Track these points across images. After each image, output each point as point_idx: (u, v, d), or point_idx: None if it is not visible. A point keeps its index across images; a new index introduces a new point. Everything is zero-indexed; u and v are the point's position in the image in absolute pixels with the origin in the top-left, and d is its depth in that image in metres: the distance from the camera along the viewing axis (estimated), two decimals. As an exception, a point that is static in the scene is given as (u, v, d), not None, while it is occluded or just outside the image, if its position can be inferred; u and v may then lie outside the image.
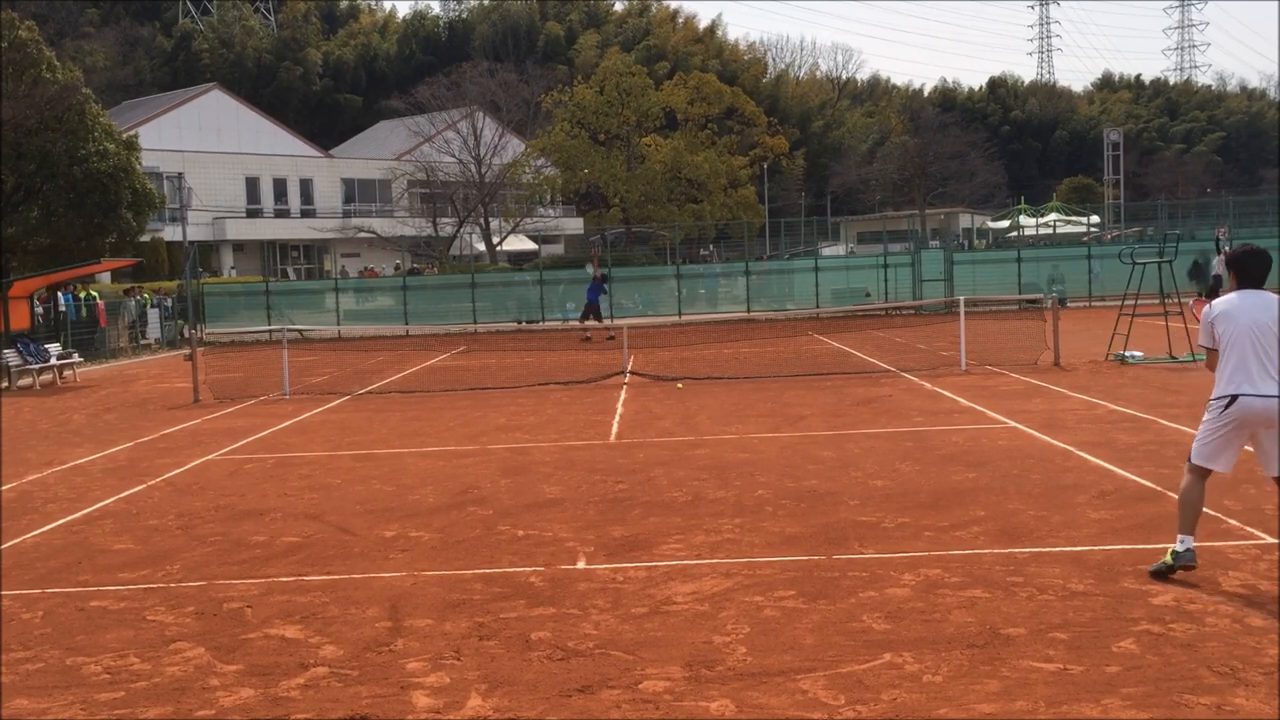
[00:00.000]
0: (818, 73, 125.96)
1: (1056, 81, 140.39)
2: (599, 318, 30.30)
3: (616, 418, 15.02)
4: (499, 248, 56.22)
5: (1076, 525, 8.25)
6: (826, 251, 59.38)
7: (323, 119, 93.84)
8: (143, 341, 34.07)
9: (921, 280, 36.94)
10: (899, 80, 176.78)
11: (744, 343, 26.98)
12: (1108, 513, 8.60)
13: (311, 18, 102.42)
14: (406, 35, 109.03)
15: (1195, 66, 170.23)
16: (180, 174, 56.55)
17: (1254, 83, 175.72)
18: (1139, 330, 19.84)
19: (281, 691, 5.60)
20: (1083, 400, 14.88)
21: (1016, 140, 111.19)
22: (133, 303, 34.34)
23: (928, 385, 17.19)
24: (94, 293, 33.10)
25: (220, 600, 7.20)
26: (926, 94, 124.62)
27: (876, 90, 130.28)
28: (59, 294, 29.63)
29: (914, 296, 36.23)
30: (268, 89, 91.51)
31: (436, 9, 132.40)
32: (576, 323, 31.77)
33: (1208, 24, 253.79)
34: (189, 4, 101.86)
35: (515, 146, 55.93)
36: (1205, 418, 6.90)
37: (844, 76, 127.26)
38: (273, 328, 32.40)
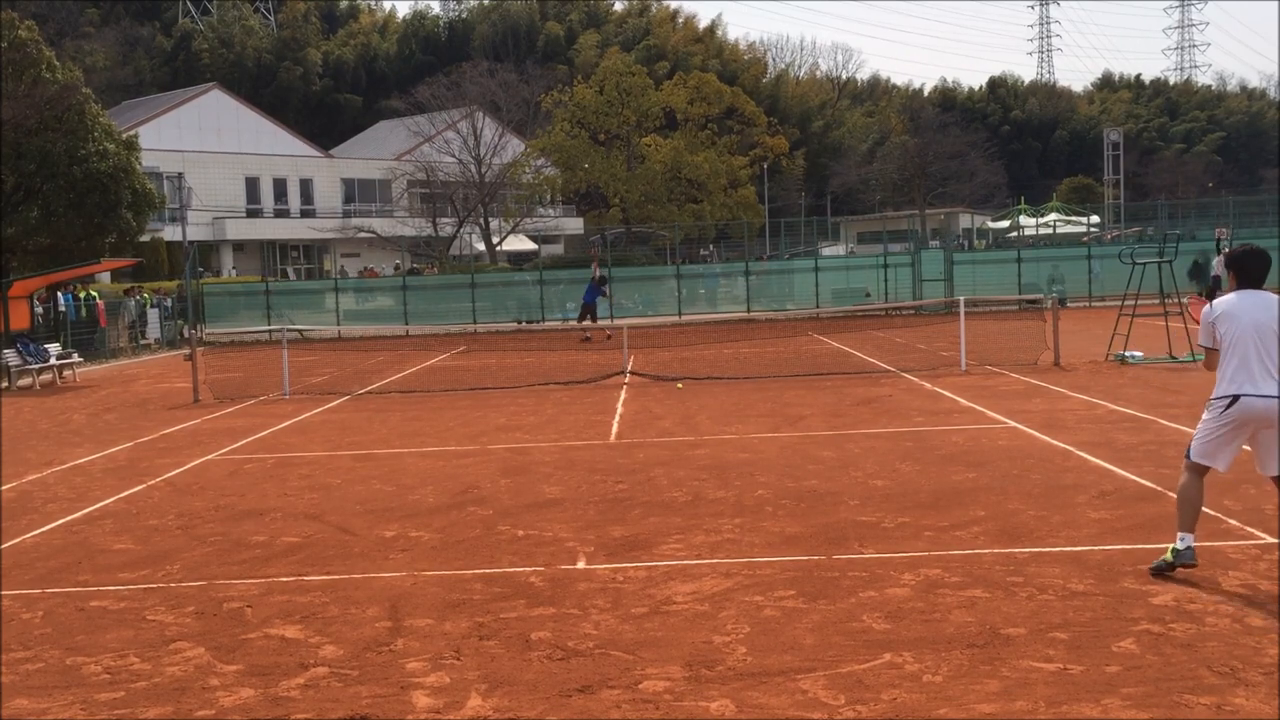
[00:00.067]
0: (818, 73, 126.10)
1: (1056, 81, 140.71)
2: (594, 318, 30.24)
3: (616, 418, 15.02)
4: (499, 248, 56.21)
5: (1076, 525, 8.26)
6: (826, 251, 59.36)
7: (323, 119, 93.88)
8: (142, 341, 34.07)
9: (921, 280, 36.93)
10: (899, 80, 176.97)
11: (744, 343, 26.97)
12: (1108, 513, 8.60)
13: (311, 18, 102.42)
14: (406, 35, 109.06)
15: (1195, 66, 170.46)
16: (180, 174, 56.54)
17: (1254, 83, 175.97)
18: (1139, 330, 19.83)
19: (281, 691, 5.60)
20: (1083, 400, 14.88)
21: (1016, 140, 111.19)
22: (133, 303, 34.33)
23: (928, 385, 17.19)
24: (94, 293, 33.11)
25: (220, 600, 7.20)
26: (926, 94, 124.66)
27: (876, 90, 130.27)
28: (59, 294, 29.64)
29: (914, 297, 36.22)
30: (268, 89, 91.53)
31: (436, 9, 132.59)
32: (575, 322, 31.75)
33: (1208, 24, 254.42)
34: (189, 4, 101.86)
35: (515, 146, 55.91)
36: (1205, 416, 6.90)
37: (844, 76, 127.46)
38: (272, 328, 32.39)
